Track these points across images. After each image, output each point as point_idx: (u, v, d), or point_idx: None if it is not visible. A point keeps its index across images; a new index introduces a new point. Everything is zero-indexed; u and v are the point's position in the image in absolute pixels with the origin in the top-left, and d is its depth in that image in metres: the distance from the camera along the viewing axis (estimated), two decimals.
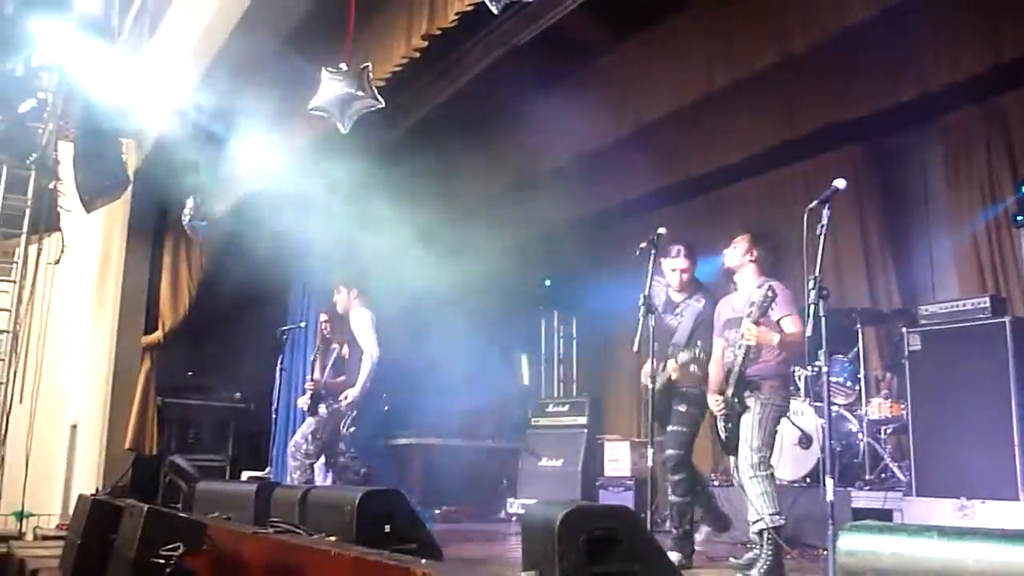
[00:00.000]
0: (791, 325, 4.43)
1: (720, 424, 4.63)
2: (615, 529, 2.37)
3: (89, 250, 9.55)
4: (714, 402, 4.67)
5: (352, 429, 6.09)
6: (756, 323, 4.29)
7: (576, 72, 6.65)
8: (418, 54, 5.05)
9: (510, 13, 5.09)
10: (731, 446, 4.60)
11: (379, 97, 4.99)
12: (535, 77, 6.61)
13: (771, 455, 4.40)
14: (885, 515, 5.42)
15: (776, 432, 4.50)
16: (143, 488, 7.74)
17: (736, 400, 4.45)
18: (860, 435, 6.21)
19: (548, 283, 10.30)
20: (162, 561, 2.94)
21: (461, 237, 9.50)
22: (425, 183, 8.44)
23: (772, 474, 4.36)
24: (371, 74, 4.95)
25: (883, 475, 6.06)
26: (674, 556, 4.59)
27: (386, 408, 7.05)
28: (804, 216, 3.73)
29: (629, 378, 9.29)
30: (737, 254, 4.75)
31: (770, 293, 4.22)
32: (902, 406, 5.84)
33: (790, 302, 4.52)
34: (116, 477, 7.76)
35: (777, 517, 4.21)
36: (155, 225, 8.60)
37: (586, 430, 8.45)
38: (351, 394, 6.30)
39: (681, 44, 5.90)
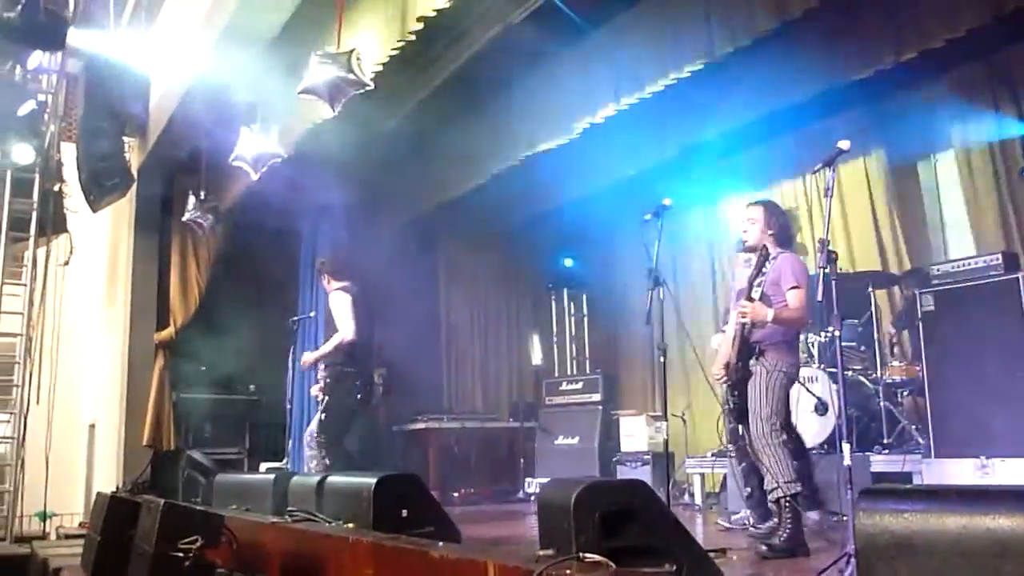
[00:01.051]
0: (794, 299, 4.37)
1: (727, 393, 4.55)
2: (630, 504, 2.35)
3: (97, 250, 9.58)
4: (716, 371, 4.63)
5: (324, 416, 6.09)
6: (760, 289, 4.24)
7: (574, 47, 6.58)
8: (413, 36, 5.00)
9: None
10: (740, 414, 4.50)
11: (367, 80, 4.94)
12: (532, 54, 6.57)
13: (783, 422, 4.31)
14: (905, 478, 5.40)
15: (787, 399, 4.41)
16: (163, 484, 7.80)
17: (740, 365, 4.37)
18: (877, 399, 6.17)
19: (569, 263, 10.27)
20: (181, 554, 2.94)
21: (467, 220, 9.50)
22: (427, 165, 8.42)
23: (785, 441, 4.25)
24: (359, 58, 4.91)
25: (901, 438, 6.03)
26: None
27: (380, 390, 7.02)
28: (810, 179, 3.69)
29: (642, 352, 9.29)
30: (757, 231, 4.58)
31: (763, 251, 4.20)
32: (917, 368, 5.80)
33: (800, 274, 4.44)
34: (136, 474, 7.81)
35: (793, 485, 4.13)
36: (161, 221, 8.62)
37: (601, 406, 8.45)
38: (305, 356, 6.36)
39: (679, 14, 5.83)
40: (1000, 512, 1.26)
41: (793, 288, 4.38)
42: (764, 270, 4.29)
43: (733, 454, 4.78)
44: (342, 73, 4.77)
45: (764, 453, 4.24)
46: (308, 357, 6.34)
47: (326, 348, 6.17)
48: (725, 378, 4.50)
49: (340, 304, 6.16)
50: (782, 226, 4.64)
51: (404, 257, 9.13)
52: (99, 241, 9.54)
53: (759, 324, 4.32)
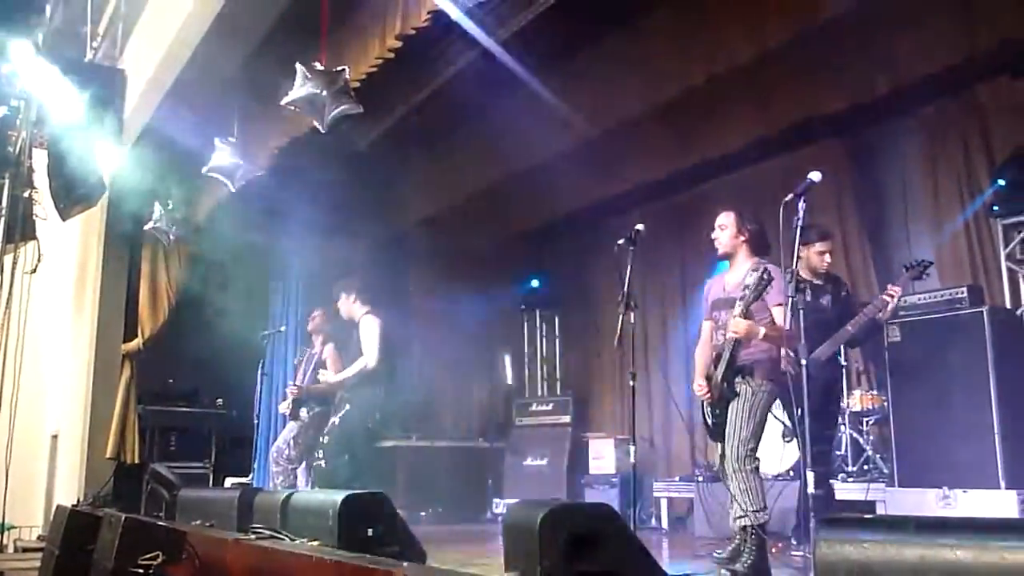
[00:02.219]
0: (780, 316, 4.29)
1: (707, 410, 4.45)
2: (596, 527, 2.35)
3: (66, 258, 9.46)
4: (698, 387, 4.49)
5: (336, 420, 6.02)
6: (748, 307, 4.17)
7: (553, 71, 6.63)
8: (392, 55, 5.02)
9: (486, 11, 5.10)
10: (718, 433, 4.43)
11: (356, 100, 4.98)
12: (511, 77, 6.60)
13: (758, 447, 4.25)
14: (868, 507, 5.45)
15: (765, 422, 4.36)
16: (125, 497, 7.67)
17: (725, 384, 4.28)
18: (842, 427, 6.23)
19: (536, 283, 10.27)
20: (141, 570, 2.90)
21: (441, 238, 9.52)
22: (403, 185, 8.44)
23: (757, 468, 4.21)
24: (348, 77, 4.94)
25: (865, 467, 6.09)
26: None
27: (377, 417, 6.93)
28: (780, 209, 3.74)
29: (612, 375, 9.31)
30: (728, 236, 4.57)
31: (766, 276, 4.07)
32: (883, 397, 5.87)
33: (783, 290, 4.31)
34: (98, 486, 7.68)
35: (761, 513, 4.11)
36: (132, 232, 8.52)
37: (570, 428, 8.46)
38: (328, 377, 6.27)
39: (658, 41, 5.91)
40: (958, 544, 1.28)
41: (779, 305, 4.30)
42: (747, 282, 4.22)
43: (720, 473, 4.67)
44: (330, 91, 4.79)
45: (735, 478, 4.18)
46: (330, 379, 6.23)
47: (348, 373, 6.09)
48: (707, 394, 4.40)
49: (370, 330, 6.09)
50: (753, 232, 4.58)
51: (376, 274, 9.11)
52: (68, 250, 9.42)
53: (746, 342, 4.26)
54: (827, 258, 5.02)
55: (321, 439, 5.92)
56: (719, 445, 4.47)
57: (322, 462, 5.83)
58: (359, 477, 5.93)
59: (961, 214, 6.63)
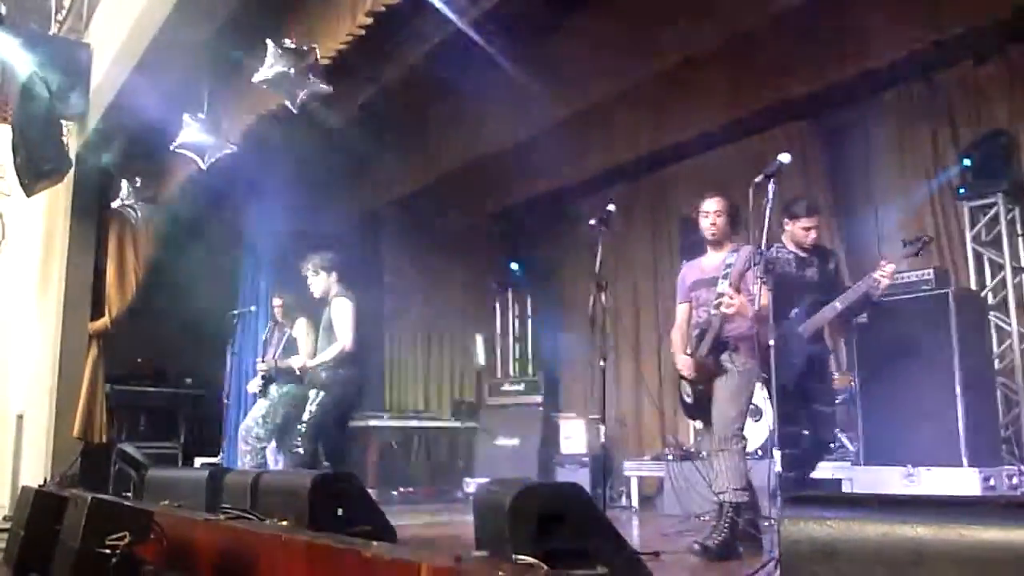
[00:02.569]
0: (764, 296, 4.21)
1: (685, 388, 4.44)
2: (565, 507, 2.37)
3: (31, 235, 9.31)
4: (682, 363, 4.44)
5: (313, 408, 5.95)
6: (720, 285, 4.17)
7: (526, 50, 6.60)
8: (363, 31, 4.97)
9: None
10: (698, 410, 4.45)
11: (326, 79, 4.93)
12: (483, 56, 6.57)
13: (744, 426, 4.24)
14: (835, 485, 5.52)
15: (751, 401, 4.37)
16: (92, 477, 7.61)
17: (710, 359, 4.24)
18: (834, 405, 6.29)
19: (514, 266, 10.26)
20: (108, 550, 2.88)
21: (414, 218, 9.48)
22: (376, 163, 8.38)
23: (744, 447, 4.21)
24: (318, 56, 4.89)
25: (832, 445, 6.17)
26: None
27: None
28: (750, 190, 3.76)
29: (584, 355, 9.35)
30: (723, 223, 4.51)
31: (758, 257, 4.04)
32: (851, 377, 5.94)
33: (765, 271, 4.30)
34: (65, 467, 7.61)
35: (742, 493, 4.13)
36: (99, 209, 8.40)
37: (542, 408, 8.49)
38: (304, 362, 6.19)
39: (629, 23, 5.89)
40: (918, 521, 1.30)
41: (763, 284, 4.21)
42: (729, 262, 4.21)
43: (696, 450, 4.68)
44: (301, 69, 4.74)
45: (720, 456, 4.18)
46: (308, 363, 6.14)
47: (325, 356, 6.02)
48: (692, 372, 4.38)
49: (343, 311, 6.02)
50: (734, 216, 4.59)
51: (348, 253, 9.05)
52: (33, 227, 9.28)
53: (734, 318, 4.22)
54: (812, 234, 4.86)
55: (299, 427, 5.88)
56: (694, 423, 4.48)
57: (300, 449, 5.79)
58: (337, 462, 5.92)
59: (928, 196, 6.71)
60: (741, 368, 4.29)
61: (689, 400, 4.49)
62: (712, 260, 4.56)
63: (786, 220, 4.86)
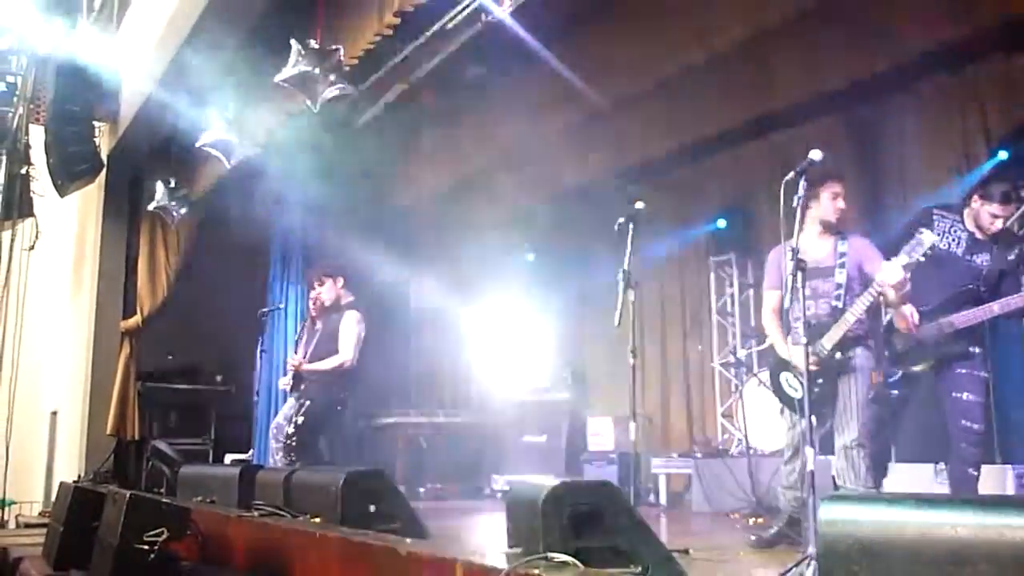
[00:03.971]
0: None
1: (796, 381, 4.12)
2: (599, 504, 2.38)
3: (64, 235, 9.45)
4: (795, 354, 4.00)
5: (300, 420, 5.98)
6: (838, 276, 4.03)
7: (553, 46, 6.61)
8: (390, 31, 5.00)
9: None
10: (815, 407, 3.97)
11: (352, 83, 4.97)
12: (510, 53, 6.58)
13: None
14: None
15: None
16: (125, 474, 7.73)
17: (840, 355, 4.05)
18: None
19: (531, 257, 10.26)
20: (146, 547, 2.93)
21: (441, 214, 9.51)
22: (402, 161, 8.42)
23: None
24: (343, 57, 4.92)
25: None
26: None
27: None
28: (781, 188, 3.73)
29: (611, 353, 9.33)
30: (837, 205, 4.32)
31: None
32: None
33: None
34: (98, 463, 7.72)
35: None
36: (130, 209, 8.52)
37: (569, 405, 8.49)
38: (300, 362, 6.19)
39: (658, 18, 5.88)
40: (957, 520, 1.30)
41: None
42: (842, 250, 4.07)
43: (790, 446, 4.39)
44: (324, 70, 4.77)
45: (858, 453, 4.03)
46: (305, 366, 6.14)
47: (323, 366, 6.03)
48: (812, 366, 3.90)
49: (350, 327, 6.02)
50: None
51: (375, 250, 9.10)
52: (66, 227, 9.41)
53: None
54: (999, 223, 4.41)
55: (288, 441, 5.93)
56: (795, 419, 4.27)
57: (281, 455, 5.86)
58: (339, 458, 5.97)
59: (959, 191, 6.63)
60: (867, 365, 4.15)
61: (797, 394, 4.10)
62: (817, 245, 4.31)
63: (976, 198, 4.49)
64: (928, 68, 6.33)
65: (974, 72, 6.54)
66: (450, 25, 5.91)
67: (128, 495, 3.04)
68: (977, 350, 4.43)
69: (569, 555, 2.21)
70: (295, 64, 4.96)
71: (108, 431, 7.94)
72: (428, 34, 5.88)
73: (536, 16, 5.68)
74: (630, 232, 4.70)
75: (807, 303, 3.92)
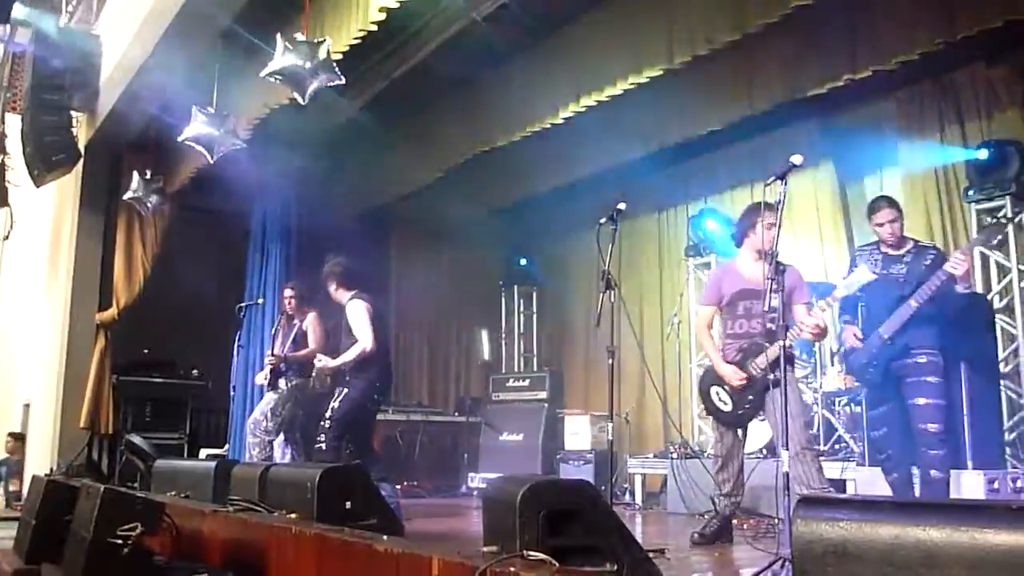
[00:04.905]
0: (803, 313, 4.43)
1: (728, 396, 4.57)
2: (576, 503, 2.38)
3: (40, 225, 9.35)
4: (730, 372, 4.54)
5: (336, 405, 5.91)
6: (773, 300, 4.18)
7: (536, 46, 6.62)
8: (375, 27, 4.98)
9: None
10: (735, 418, 4.58)
11: (339, 73, 4.95)
12: (494, 51, 6.59)
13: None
14: (839, 485, 5.54)
15: None
16: (99, 467, 7.66)
17: (770, 372, 4.27)
18: (815, 407, 6.33)
19: (524, 262, 10.27)
20: (119, 541, 2.90)
21: (421, 212, 9.50)
22: (384, 158, 8.39)
23: (818, 452, 4.37)
24: (330, 49, 4.89)
25: (837, 445, 6.20)
26: None
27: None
28: (763, 191, 3.76)
29: (589, 352, 9.38)
30: (771, 235, 4.41)
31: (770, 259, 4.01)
32: (852, 378, 5.95)
33: (808, 289, 4.66)
34: (71, 456, 7.66)
35: (828, 490, 4.26)
36: (107, 200, 8.44)
37: (546, 404, 8.52)
38: (326, 361, 6.14)
39: (640, 20, 5.90)
40: (930, 524, 1.31)
41: (806, 304, 4.48)
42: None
43: (719, 456, 4.74)
44: (312, 63, 4.75)
45: (803, 459, 4.23)
46: (329, 363, 6.10)
47: (347, 358, 6.01)
48: (741, 382, 4.51)
49: (359, 314, 6.02)
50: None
51: (355, 247, 9.08)
52: (42, 217, 9.31)
53: (804, 334, 4.36)
54: (889, 228, 4.79)
55: (322, 423, 5.87)
56: (727, 430, 4.64)
57: (322, 445, 5.78)
58: (360, 458, 5.90)
59: (936, 198, 6.71)
60: (794, 379, 4.46)
61: (727, 408, 4.60)
62: (754, 269, 4.60)
63: (870, 221, 4.93)
64: (908, 75, 6.40)
65: (953, 80, 6.62)
66: (433, 22, 5.92)
67: (102, 489, 3.01)
68: (923, 359, 4.69)
69: (546, 554, 2.21)
70: (282, 58, 4.92)
71: (82, 424, 7.87)
72: (412, 30, 5.89)
73: (518, 15, 5.70)
74: (611, 233, 4.72)
75: (740, 321, 4.61)
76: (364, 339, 5.83)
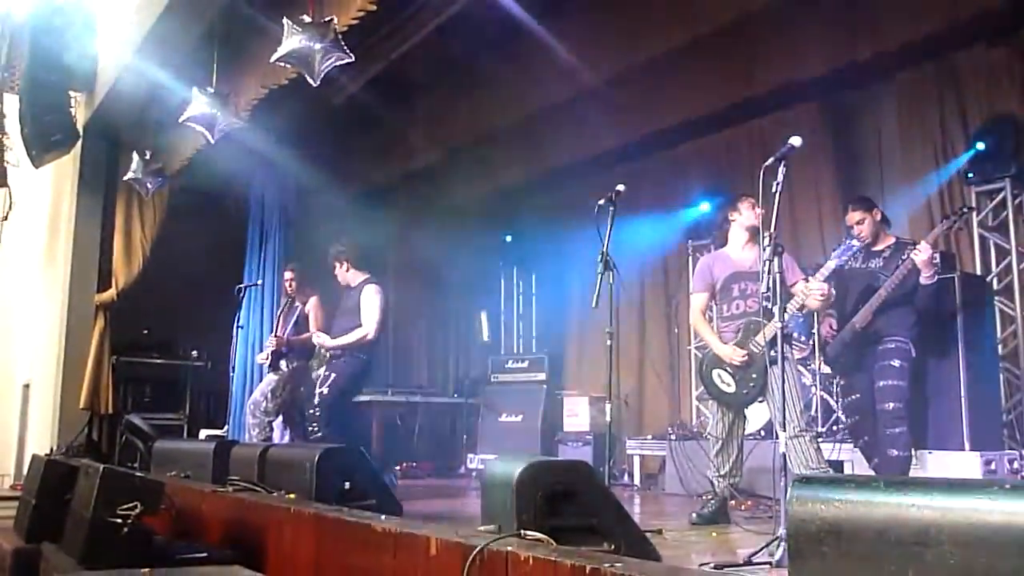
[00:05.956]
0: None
1: (731, 377, 4.62)
2: (573, 484, 2.40)
3: (38, 206, 9.33)
4: (729, 353, 4.61)
5: (324, 390, 5.94)
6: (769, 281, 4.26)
7: (535, 27, 6.58)
8: (374, 6, 4.95)
9: None
10: (737, 399, 4.64)
11: (347, 50, 4.92)
12: (493, 33, 6.55)
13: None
14: (837, 466, 5.56)
15: None
16: (99, 448, 7.68)
17: (771, 350, 4.19)
18: (813, 388, 6.34)
19: (508, 239, 10.27)
20: (119, 520, 2.92)
21: (420, 194, 9.48)
22: (382, 138, 8.37)
23: (816, 432, 4.43)
24: (337, 28, 4.86)
25: (835, 427, 6.21)
26: None
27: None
28: (760, 173, 3.75)
29: (588, 334, 9.38)
30: (752, 215, 4.74)
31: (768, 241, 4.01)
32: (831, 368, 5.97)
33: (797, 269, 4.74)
34: (71, 437, 7.67)
35: (826, 471, 4.31)
36: (106, 180, 8.41)
37: (545, 386, 8.53)
38: (323, 339, 6.15)
39: (641, 1, 5.87)
40: (924, 502, 1.32)
41: (796, 283, 4.55)
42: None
43: (719, 438, 4.77)
44: (321, 43, 4.72)
45: (801, 440, 4.27)
46: (326, 342, 6.11)
47: (346, 340, 6.01)
48: (742, 361, 4.57)
49: (373, 301, 6.01)
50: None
51: (354, 227, 9.07)
52: (41, 197, 9.29)
53: (811, 300, 4.42)
54: (857, 229, 4.96)
55: (312, 411, 5.89)
56: (728, 412, 4.70)
57: (319, 432, 5.81)
58: (350, 440, 5.92)
59: (936, 180, 6.69)
60: (792, 358, 4.50)
61: (730, 389, 4.66)
62: (743, 254, 4.79)
63: (847, 218, 5.10)
64: (909, 57, 6.37)
65: (954, 62, 6.59)
66: (433, 2, 5.88)
67: (102, 468, 3.02)
68: (892, 345, 4.85)
69: (543, 533, 2.23)
70: (290, 40, 4.88)
71: (81, 405, 7.88)
72: (411, 10, 5.85)
73: None
74: (610, 214, 4.71)
75: (736, 302, 4.72)
76: (369, 326, 5.84)
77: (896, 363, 4.79)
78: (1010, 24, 5.96)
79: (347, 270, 6.21)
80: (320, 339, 6.16)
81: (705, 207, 7.97)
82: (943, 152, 6.64)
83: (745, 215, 4.80)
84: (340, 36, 4.85)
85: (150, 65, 6.53)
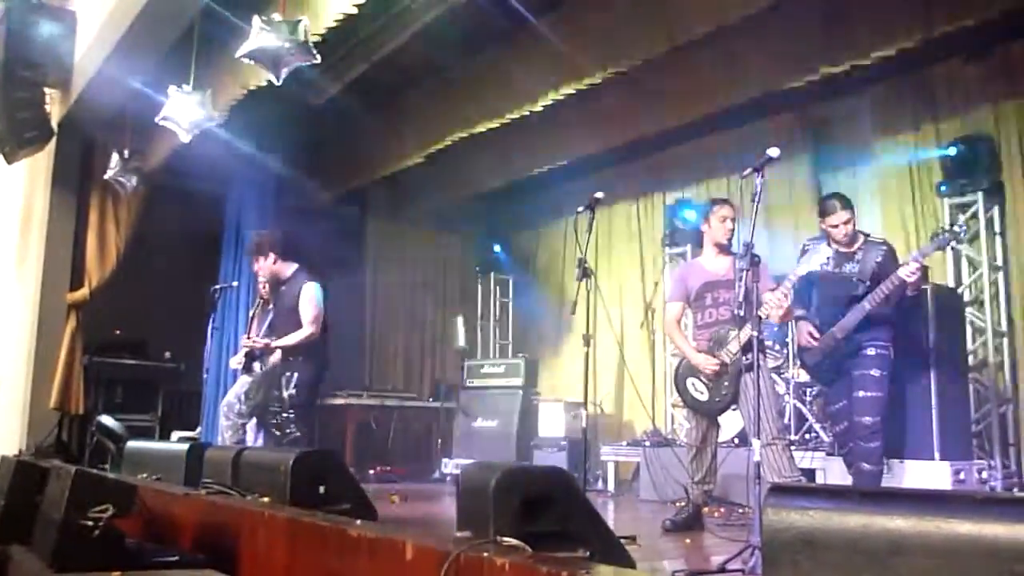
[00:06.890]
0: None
1: (703, 385, 4.66)
2: (550, 490, 2.40)
3: (10, 203, 9.21)
4: (703, 361, 4.63)
5: (293, 392, 5.89)
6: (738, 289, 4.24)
7: (515, 33, 6.60)
8: (356, 9, 4.94)
9: None
10: (711, 407, 4.66)
11: (315, 52, 4.90)
12: (472, 37, 6.56)
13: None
14: (809, 474, 5.61)
15: None
16: (68, 448, 7.58)
17: (745, 359, 4.30)
18: (787, 397, 6.40)
19: (486, 243, 10.28)
20: (90, 523, 2.88)
21: (398, 197, 9.47)
22: (360, 142, 8.36)
23: (789, 440, 4.44)
24: (307, 29, 4.85)
25: (807, 435, 6.27)
26: None
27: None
28: (740, 183, 3.79)
29: (564, 339, 9.41)
30: (727, 227, 4.79)
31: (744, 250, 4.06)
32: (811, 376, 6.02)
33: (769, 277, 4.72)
34: (40, 437, 7.56)
35: (799, 479, 4.33)
36: (80, 178, 8.31)
37: (521, 391, 8.53)
38: (266, 341, 6.09)
39: (620, 10, 5.90)
40: (897, 513, 1.34)
41: (771, 290, 4.52)
42: (741, 266, 4.35)
43: (693, 446, 4.82)
44: (288, 43, 4.70)
45: (774, 448, 4.31)
46: (272, 344, 6.00)
47: (288, 341, 5.93)
48: (715, 370, 4.59)
49: (312, 297, 5.90)
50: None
51: (332, 230, 9.03)
52: (13, 194, 9.17)
53: (767, 319, 4.43)
54: (842, 229, 4.85)
55: (285, 414, 5.83)
56: (702, 420, 4.74)
57: (296, 433, 5.77)
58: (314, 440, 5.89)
59: (909, 192, 6.78)
60: (765, 365, 4.50)
61: (703, 398, 4.69)
62: (716, 263, 4.82)
63: (820, 220, 4.99)
64: (885, 70, 6.44)
65: (928, 76, 6.68)
66: (413, 6, 5.88)
67: (74, 470, 2.98)
68: (872, 352, 4.82)
69: (519, 539, 2.23)
70: (257, 38, 4.86)
71: (52, 404, 7.77)
72: (391, 14, 5.84)
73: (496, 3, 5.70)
74: (588, 221, 4.74)
75: (709, 311, 4.74)
76: (312, 324, 5.77)
77: (876, 373, 4.76)
78: (985, 40, 6.06)
79: (274, 262, 6.06)
80: (264, 342, 6.09)
81: (691, 215, 8.01)
82: (916, 165, 6.74)
83: (715, 228, 4.81)
84: (309, 36, 4.82)
85: (126, 63, 6.47)
